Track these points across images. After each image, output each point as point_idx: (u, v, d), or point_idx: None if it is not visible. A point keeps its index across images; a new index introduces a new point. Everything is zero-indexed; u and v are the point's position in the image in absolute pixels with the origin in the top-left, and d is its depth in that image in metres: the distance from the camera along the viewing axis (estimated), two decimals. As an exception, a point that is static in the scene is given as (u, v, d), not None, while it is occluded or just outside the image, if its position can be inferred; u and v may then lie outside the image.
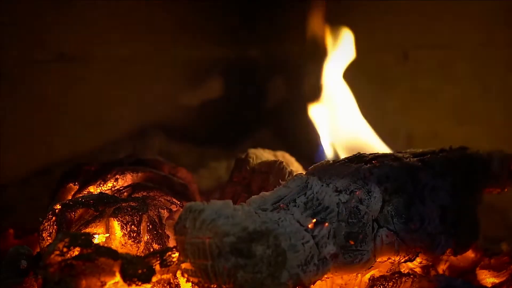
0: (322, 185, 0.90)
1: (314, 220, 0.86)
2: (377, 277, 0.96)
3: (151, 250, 0.97)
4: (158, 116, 1.77)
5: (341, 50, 1.31)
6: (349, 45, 1.30)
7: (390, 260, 0.94)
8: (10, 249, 1.01)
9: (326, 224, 0.86)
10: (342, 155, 1.19)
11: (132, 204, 1.00)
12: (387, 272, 0.98)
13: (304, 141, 1.39)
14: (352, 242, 0.87)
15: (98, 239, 0.95)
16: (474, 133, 1.51)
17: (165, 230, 1.02)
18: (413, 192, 0.93)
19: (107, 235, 0.97)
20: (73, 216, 1.00)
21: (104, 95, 1.64)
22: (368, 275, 0.97)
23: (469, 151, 1.03)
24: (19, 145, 1.50)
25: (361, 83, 1.42)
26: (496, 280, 1.04)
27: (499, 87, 1.49)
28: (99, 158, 1.49)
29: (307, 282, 0.83)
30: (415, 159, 0.97)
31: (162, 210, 1.04)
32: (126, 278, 0.82)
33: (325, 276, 0.87)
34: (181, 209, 0.85)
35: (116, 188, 1.07)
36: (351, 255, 0.87)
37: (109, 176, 1.08)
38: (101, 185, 1.07)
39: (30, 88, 1.51)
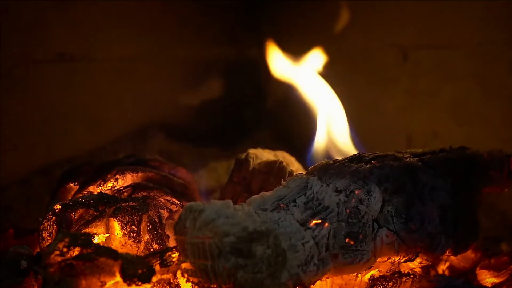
0: (322, 185, 0.90)
1: (314, 220, 0.86)
2: (377, 277, 0.96)
3: (151, 250, 0.97)
4: (158, 116, 1.77)
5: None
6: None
7: (390, 260, 0.94)
8: (10, 249, 1.01)
9: (326, 224, 0.86)
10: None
11: (132, 204, 1.00)
12: (387, 272, 0.98)
13: (304, 141, 1.39)
14: (352, 242, 0.87)
15: (98, 239, 0.95)
16: (474, 133, 1.51)
17: (165, 230, 1.02)
18: (413, 192, 0.93)
19: (107, 235, 0.97)
20: (73, 216, 1.00)
21: (104, 95, 1.64)
22: (368, 275, 0.97)
23: (469, 151, 1.02)
24: (19, 145, 1.50)
25: (360, 83, 1.42)
26: (496, 280, 1.04)
27: (499, 87, 1.49)
28: (99, 158, 1.49)
29: (307, 282, 0.83)
30: (415, 159, 0.97)
31: (162, 210, 1.04)
32: (126, 278, 0.82)
33: (325, 276, 0.87)
34: (181, 209, 0.85)
35: (116, 188, 1.07)
36: (351, 255, 0.87)
37: (109, 176, 1.08)
38: (101, 185, 1.08)
39: (30, 88, 1.51)
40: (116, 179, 1.08)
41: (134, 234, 0.98)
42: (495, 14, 1.46)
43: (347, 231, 0.87)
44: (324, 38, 1.71)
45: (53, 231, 0.99)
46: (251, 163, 1.12)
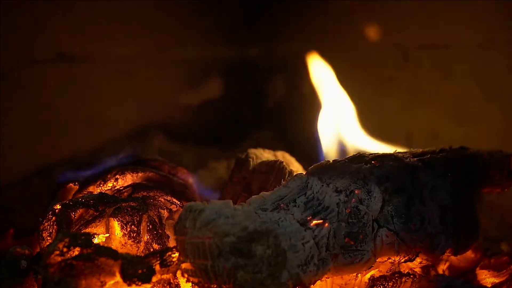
0: (322, 185, 0.90)
1: (314, 220, 0.86)
2: (377, 277, 0.96)
3: (151, 250, 0.97)
4: (158, 116, 1.77)
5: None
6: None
7: (390, 260, 0.94)
8: (10, 249, 1.01)
9: (326, 224, 0.86)
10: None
11: (132, 204, 1.00)
12: (387, 272, 0.98)
13: (304, 141, 1.39)
14: (352, 242, 0.87)
15: (98, 239, 0.95)
16: (474, 133, 1.51)
17: (165, 230, 1.02)
18: (413, 192, 0.93)
19: (107, 235, 0.97)
20: (73, 216, 1.00)
21: (104, 95, 1.64)
22: (368, 275, 0.97)
23: (469, 151, 1.03)
24: (19, 145, 1.50)
25: (361, 83, 1.41)
26: (496, 280, 1.04)
27: (499, 87, 1.49)
28: (99, 158, 1.49)
29: (307, 282, 0.83)
30: (415, 159, 0.97)
31: (162, 210, 1.04)
32: (126, 278, 0.82)
33: (325, 276, 0.87)
34: (181, 209, 0.85)
35: (116, 188, 1.07)
36: (351, 255, 0.87)
37: (109, 176, 1.08)
38: (101, 185, 1.08)
39: (30, 88, 1.51)
40: (116, 179, 1.08)
41: (134, 234, 0.98)
42: (495, 14, 1.46)
43: (347, 231, 0.87)
44: (324, 38, 1.72)
45: (53, 231, 0.99)
46: (251, 163, 1.11)
